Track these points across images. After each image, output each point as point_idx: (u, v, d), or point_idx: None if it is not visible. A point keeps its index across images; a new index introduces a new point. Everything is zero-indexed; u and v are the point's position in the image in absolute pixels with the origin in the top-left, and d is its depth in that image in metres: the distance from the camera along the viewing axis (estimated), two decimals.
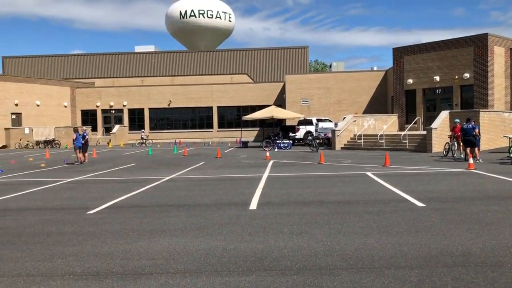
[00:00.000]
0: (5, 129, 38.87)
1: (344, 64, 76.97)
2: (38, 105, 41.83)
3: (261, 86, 44.66)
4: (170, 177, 14.74)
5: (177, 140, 41.46)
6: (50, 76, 52.68)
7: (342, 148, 27.76)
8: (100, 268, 5.40)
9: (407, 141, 25.08)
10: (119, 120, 45.43)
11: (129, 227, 7.54)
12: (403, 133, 25.85)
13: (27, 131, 38.81)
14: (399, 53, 33.22)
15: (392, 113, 33.60)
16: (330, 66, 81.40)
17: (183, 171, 16.45)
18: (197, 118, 45.17)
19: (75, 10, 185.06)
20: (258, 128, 42.87)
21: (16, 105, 40.04)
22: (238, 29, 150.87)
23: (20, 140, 38.40)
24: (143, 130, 39.44)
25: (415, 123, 30.12)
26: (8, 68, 56.47)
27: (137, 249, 6.18)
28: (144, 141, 37.71)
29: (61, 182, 14.01)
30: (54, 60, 57.42)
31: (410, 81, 32.33)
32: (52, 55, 58.24)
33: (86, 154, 21.61)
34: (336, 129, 28.23)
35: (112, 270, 5.31)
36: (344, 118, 30.06)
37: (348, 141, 28.13)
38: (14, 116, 40.15)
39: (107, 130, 45.11)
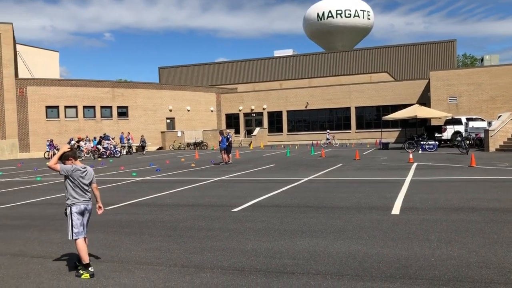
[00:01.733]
0: (161, 132, 43.32)
1: (499, 57, 69.52)
2: (188, 110, 45.71)
3: (402, 84, 42.60)
4: (308, 178, 14.88)
5: (314, 142, 41.70)
6: (198, 83, 57.20)
7: (496, 149, 25.06)
8: (245, 264, 5.67)
9: None
10: (259, 123, 47.35)
11: (271, 226, 7.79)
12: None
13: (179, 134, 42.71)
14: None
15: None
16: (482, 60, 74.22)
17: (321, 173, 16.48)
18: (335, 119, 44.88)
19: (220, 20, 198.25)
20: (399, 129, 40.96)
21: (170, 110, 44.30)
22: (377, 26, 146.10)
23: (174, 142, 42.41)
24: (328, 131, 39.87)
25: None
26: (164, 78, 62.79)
27: (279, 248, 6.36)
28: (329, 141, 38.12)
29: (209, 181, 15.09)
30: (201, 69, 62.22)
31: None
32: (200, 64, 63.13)
33: (230, 155, 22.95)
34: (490, 128, 25.58)
35: (256, 267, 5.54)
36: (500, 116, 27.10)
37: (504, 142, 25.29)
38: (168, 121, 44.50)
39: (248, 132, 47.37)
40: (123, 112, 41.39)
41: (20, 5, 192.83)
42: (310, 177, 15.09)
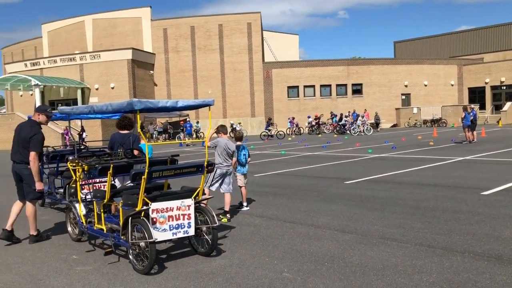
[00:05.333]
0: (396, 109, 42.21)
1: None
2: (425, 85, 43.20)
3: None
4: None
5: None
6: (437, 55, 53.32)
7: None
8: (503, 252, 5.10)
9: None
10: (511, 97, 41.40)
11: None
12: None
13: (415, 110, 40.85)
14: None
15: None
16: None
17: None
18: None
19: None
20: None
21: (406, 86, 42.67)
22: None
23: (409, 119, 40.84)
24: None
25: None
26: (399, 52, 60.67)
27: None
28: None
29: (450, 161, 14.04)
30: (440, 40, 57.68)
31: None
32: (438, 35, 58.58)
33: (475, 133, 20.84)
34: None
35: None
36: None
37: None
38: (403, 97, 43.00)
39: (496, 108, 42.01)
40: (357, 90, 41.88)
41: None
42: None
